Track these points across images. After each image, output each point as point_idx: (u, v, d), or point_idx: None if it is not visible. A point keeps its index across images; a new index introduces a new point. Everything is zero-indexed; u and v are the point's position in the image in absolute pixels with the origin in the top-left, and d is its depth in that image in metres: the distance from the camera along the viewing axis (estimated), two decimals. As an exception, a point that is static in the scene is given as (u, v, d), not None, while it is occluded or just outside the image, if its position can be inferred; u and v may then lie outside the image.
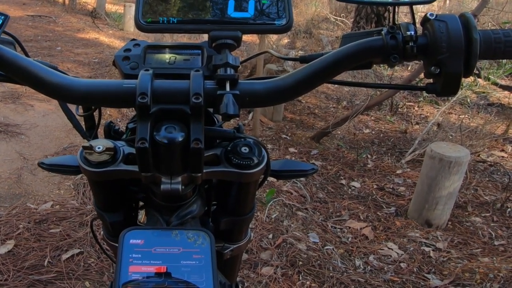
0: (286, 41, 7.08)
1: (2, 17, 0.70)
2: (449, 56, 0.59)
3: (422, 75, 3.36)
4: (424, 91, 0.66)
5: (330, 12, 8.50)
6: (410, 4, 0.68)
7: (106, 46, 6.67)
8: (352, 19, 7.53)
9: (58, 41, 6.65)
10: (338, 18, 8.23)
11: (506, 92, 5.34)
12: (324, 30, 8.36)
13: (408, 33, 0.61)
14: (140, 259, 0.48)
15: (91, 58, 5.79)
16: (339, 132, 3.91)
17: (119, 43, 6.88)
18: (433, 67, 0.60)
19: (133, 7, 8.00)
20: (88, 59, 5.75)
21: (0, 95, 4.00)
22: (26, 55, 0.72)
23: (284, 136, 3.80)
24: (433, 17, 0.61)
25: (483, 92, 5.24)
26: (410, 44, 0.60)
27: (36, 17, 8.39)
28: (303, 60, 0.72)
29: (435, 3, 9.41)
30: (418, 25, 0.64)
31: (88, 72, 5.17)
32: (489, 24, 6.43)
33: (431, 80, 0.64)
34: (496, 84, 5.55)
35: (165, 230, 0.57)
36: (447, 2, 10.73)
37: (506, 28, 0.63)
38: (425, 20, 0.62)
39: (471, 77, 5.42)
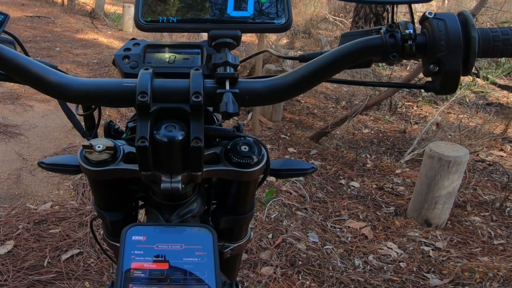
0: (285, 41, 7.08)
1: (2, 16, 0.70)
2: (447, 54, 0.59)
3: (421, 75, 3.36)
4: (423, 90, 0.66)
5: (329, 12, 8.51)
6: (409, 3, 0.68)
7: (105, 46, 6.67)
8: (351, 19, 7.54)
9: (57, 42, 6.65)
10: (337, 18, 8.24)
11: (505, 92, 5.34)
12: (323, 30, 8.37)
13: (407, 31, 0.61)
14: (142, 256, 0.48)
15: (90, 59, 5.79)
16: (338, 132, 3.91)
17: (118, 44, 6.88)
18: (432, 65, 0.61)
19: (132, 8, 8.00)
20: (87, 59, 5.75)
21: (-1, 95, 4.01)
22: (26, 54, 0.72)
23: (283, 136, 3.80)
24: (431, 16, 0.61)
25: (482, 92, 5.25)
26: (409, 42, 0.61)
27: (35, 17, 8.40)
28: (302, 59, 0.72)
29: (433, 3, 9.43)
30: (417, 24, 0.64)
31: (87, 72, 5.17)
32: (488, 23, 6.44)
33: (430, 79, 0.64)
34: (494, 83, 5.56)
35: (167, 226, 0.57)
36: (446, 1, 10.74)
37: (504, 27, 0.63)
38: (423, 19, 0.62)
39: (469, 76, 5.40)
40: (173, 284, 0.45)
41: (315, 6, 9.06)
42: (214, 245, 0.51)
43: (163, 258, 0.48)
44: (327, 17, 8.42)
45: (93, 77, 4.51)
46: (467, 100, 4.90)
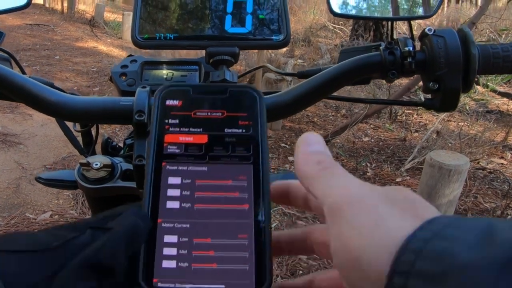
0: (285, 49, 7.10)
1: (-2, 34, 0.69)
2: (447, 72, 0.58)
3: (421, 83, 3.36)
4: (422, 107, 0.66)
5: (328, 20, 8.52)
6: (409, 19, 0.67)
7: (105, 55, 6.68)
8: (350, 27, 7.56)
9: (57, 50, 6.66)
10: (336, 26, 8.26)
11: (505, 99, 5.34)
12: (323, 38, 8.38)
13: (406, 48, 0.60)
14: (178, 126, 0.39)
15: (89, 67, 5.80)
16: (338, 141, 3.90)
17: (118, 52, 6.89)
18: (431, 83, 0.60)
19: (131, 16, 7.98)
20: (86, 68, 5.76)
21: (-1, 104, 4.01)
22: (22, 72, 0.72)
23: (283, 144, 3.80)
24: (431, 32, 0.60)
25: (482, 99, 5.24)
26: (408, 59, 0.60)
27: (35, 25, 8.41)
28: (301, 75, 0.71)
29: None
30: (416, 33, 0.64)
31: (87, 81, 5.17)
32: (487, 31, 6.45)
33: (429, 96, 0.63)
34: (495, 91, 5.55)
35: (206, 86, 0.47)
36: (445, 9, 10.77)
37: (504, 41, 0.63)
38: (423, 35, 0.62)
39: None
40: (212, 163, 0.37)
41: (315, 13, 9.09)
42: (261, 112, 0.41)
43: (201, 129, 0.39)
44: (326, 25, 8.44)
45: (93, 86, 4.49)
46: (467, 107, 4.89)
